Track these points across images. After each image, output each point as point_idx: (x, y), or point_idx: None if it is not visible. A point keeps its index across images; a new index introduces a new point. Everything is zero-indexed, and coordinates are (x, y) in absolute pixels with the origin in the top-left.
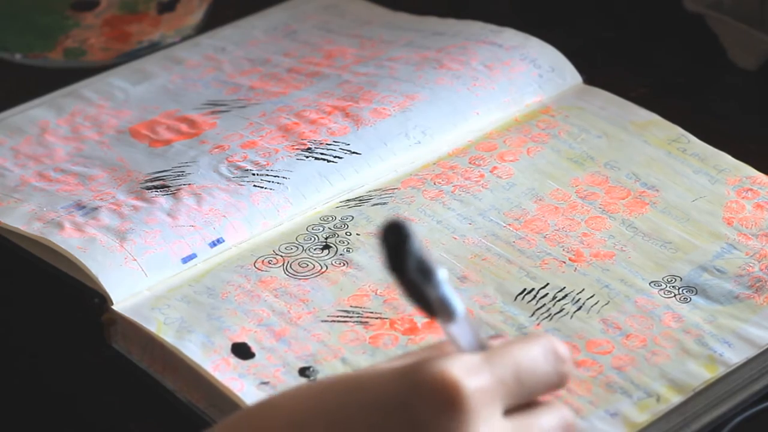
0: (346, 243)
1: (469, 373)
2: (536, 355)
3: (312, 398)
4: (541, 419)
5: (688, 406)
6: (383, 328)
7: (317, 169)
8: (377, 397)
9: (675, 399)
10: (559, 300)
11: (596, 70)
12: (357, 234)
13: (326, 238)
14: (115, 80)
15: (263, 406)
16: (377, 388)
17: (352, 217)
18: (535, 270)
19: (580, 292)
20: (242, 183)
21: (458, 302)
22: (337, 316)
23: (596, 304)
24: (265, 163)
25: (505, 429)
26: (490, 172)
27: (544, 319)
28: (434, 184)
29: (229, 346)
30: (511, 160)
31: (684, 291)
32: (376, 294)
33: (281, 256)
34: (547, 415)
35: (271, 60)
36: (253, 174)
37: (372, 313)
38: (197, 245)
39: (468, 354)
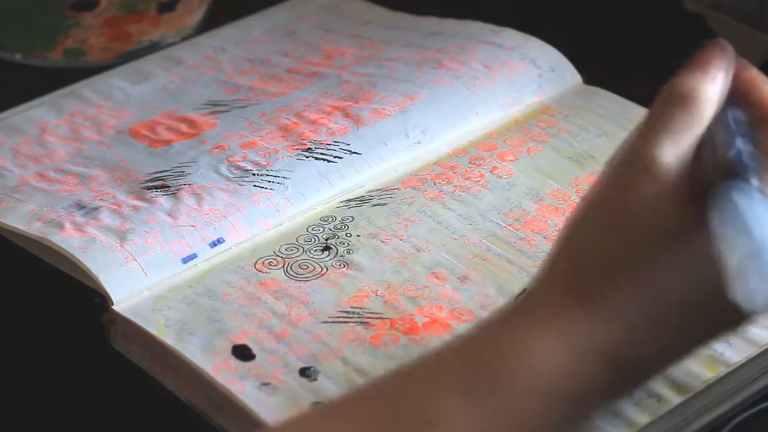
0: (346, 244)
1: None
2: None
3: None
4: None
5: (689, 406)
6: (384, 328)
7: (317, 169)
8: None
9: (676, 399)
10: None
11: (596, 70)
12: (357, 235)
13: (326, 239)
14: (115, 80)
15: None
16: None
17: (353, 218)
18: (535, 270)
19: None
20: (242, 183)
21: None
22: (338, 317)
23: None
24: (265, 163)
25: None
26: (491, 171)
27: None
28: (434, 184)
29: (230, 348)
30: (511, 160)
31: None
32: (376, 295)
33: (282, 257)
34: None
35: (271, 60)
36: (254, 174)
37: (372, 313)
38: (197, 245)
39: None
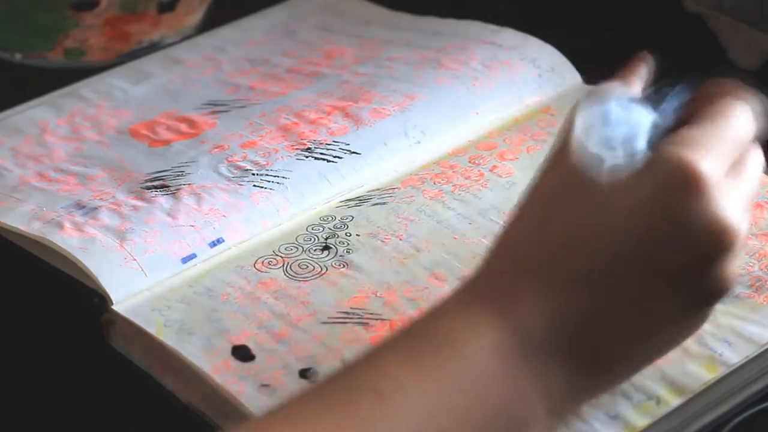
0: (346, 244)
1: (700, 155)
2: (738, 122)
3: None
4: (749, 167)
5: (688, 407)
6: (384, 330)
7: (317, 168)
8: (635, 202)
9: (675, 401)
10: None
11: (596, 70)
12: (357, 234)
13: (326, 239)
14: (115, 80)
15: None
16: (630, 192)
17: (352, 218)
18: None
19: None
20: (242, 183)
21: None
22: (337, 318)
23: None
24: (264, 163)
25: (730, 187)
26: (490, 171)
27: None
28: (434, 183)
29: (230, 349)
30: (511, 159)
31: None
32: (376, 296)
33: (281, 257)
34: (752, 161)
35: (271, 60)
36: (253, 174)
37: (372, 314)
38: (197, 245)
39: (688, 133)
